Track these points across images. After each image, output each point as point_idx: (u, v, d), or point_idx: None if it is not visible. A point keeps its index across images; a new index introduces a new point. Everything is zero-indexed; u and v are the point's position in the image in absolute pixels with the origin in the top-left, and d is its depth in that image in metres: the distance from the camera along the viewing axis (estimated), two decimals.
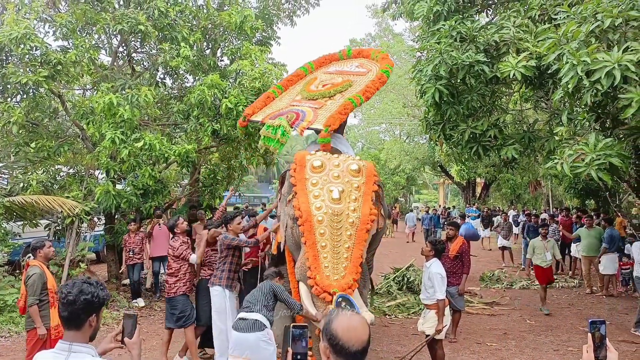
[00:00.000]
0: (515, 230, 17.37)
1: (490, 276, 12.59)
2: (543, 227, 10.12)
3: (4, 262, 8.83)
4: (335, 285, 4.73)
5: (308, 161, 5.41)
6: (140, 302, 9.47)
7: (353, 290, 4.80)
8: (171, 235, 6.69)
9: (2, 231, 8.77)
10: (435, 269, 5.89)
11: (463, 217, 17.88)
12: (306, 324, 1.97)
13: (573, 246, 12.92)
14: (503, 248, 15.47)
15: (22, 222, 9.44)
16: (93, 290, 2.27)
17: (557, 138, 7.01)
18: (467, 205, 27.29)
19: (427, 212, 23.36)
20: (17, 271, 9.04)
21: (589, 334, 1.99)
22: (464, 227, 14.65)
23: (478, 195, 29.48)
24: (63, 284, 2.51)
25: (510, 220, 17.09)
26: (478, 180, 30.16)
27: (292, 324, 2.08)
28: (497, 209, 29.27)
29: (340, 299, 4.58)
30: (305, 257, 4.99)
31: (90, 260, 12.80)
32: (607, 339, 1.99)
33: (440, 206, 32.89)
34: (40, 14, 9.00)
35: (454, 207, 31.61)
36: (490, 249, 18.55)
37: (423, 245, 6.43)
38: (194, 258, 6.38)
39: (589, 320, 2.01)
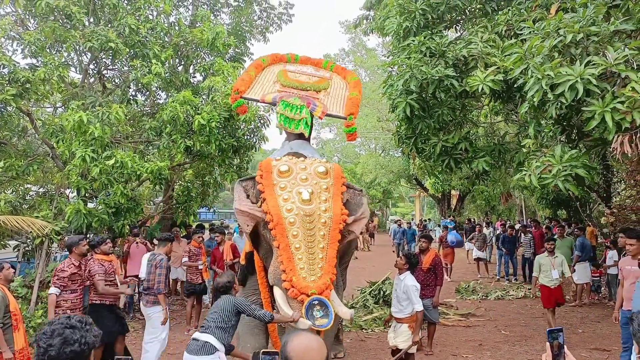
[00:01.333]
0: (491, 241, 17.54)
1: (465, 288, 12.68)
2: (549, 242, 8.86)
3: None
4: (313, 286, 4.65)
5: (274, 167, 5.35)
6: None
7: (330, 291, 4.75)
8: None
9: None
10: (410, 281, 5.90)
11: (446, 227, 18.14)
12: (276, 351, 1.96)
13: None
14: (478, 259, 15.63)
15: None
16: (79, 337, 1.85)
17: (524, 150, 7.15)
18: (442, 218, 27.56)
19: (399, 225, 21.74)
20: None
21: (547, 343, 2.02)
22: (451, 235, 15.02)
23: (453, 207, 29.82)
24: (41, 332, 1.92)
25: (485, 231, 17.25)
26: (453, 192, 30.52)
27: (262, 350, 2.06)
28: (472, 220, 29.61)
29: (315, 302, 4.56)
30: (279, 261, 4.88)
31: None
32: (565, 347, 2.03)
33: (411, 220, 33.08)
34: (8, 32, 8.88)
35: (429, 219, 31.86)
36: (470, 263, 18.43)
37: (397, 259, 6.41)
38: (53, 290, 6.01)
39: (547, 330, 2.05)
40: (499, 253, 14.87)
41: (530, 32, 6.25)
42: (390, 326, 6.23)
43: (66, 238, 6.99)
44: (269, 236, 5.08)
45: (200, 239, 9.56)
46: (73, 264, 6.14)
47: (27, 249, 9.97)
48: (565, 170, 5.60)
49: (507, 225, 16.08)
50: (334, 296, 4.83)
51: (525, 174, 5.92)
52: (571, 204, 17.13)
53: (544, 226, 15.39)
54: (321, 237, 4.89)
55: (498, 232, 17.80)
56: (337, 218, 5.04)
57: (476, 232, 16.42)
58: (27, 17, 9.55)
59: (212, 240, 10.54)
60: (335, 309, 4.72)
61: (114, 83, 11.05)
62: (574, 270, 10.98)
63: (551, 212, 20.14)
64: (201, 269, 9.26)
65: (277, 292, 4.93)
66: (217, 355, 4.63)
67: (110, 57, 10.12)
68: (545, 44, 5.72)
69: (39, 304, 8.35)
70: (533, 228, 14.74)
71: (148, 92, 10.72)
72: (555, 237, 11.65)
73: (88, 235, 8.29)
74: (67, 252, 6.42)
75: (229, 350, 4.87)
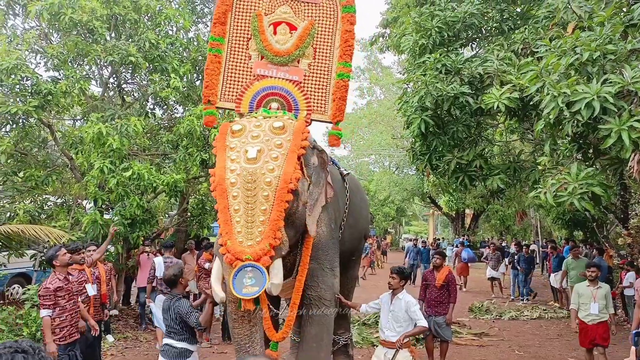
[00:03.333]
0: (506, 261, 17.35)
1: (479, 307, 12.56)
2: (590, 267, 7.13)
3: None
4: (249, 251, 4.13)
5: (230, 128, 4.83)
6: (110, 338, 8.90)
7: (271, 258, 4.21)
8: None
9: None
10: (411, 298, 5.59)
11: (462, 244, 18.14)
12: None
13: (552, 276, 12.96)
14: (492, 279, 15.48)
15: (7, 252, 9.34)
16: None
17: (540, 168, 7.13)
18: (456, 236, 27.37)
19: (414, 244, 20.39)
20: (1, 301, 8.91)
21: (633, 348, 1.99)
22: (465, 252, 15.23)
23: (467, 226, 29.61)
24: None
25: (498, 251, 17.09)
26: (467, 211, 30.35)
27: None
28: (487, 240, 29.36)
29: (248, 268, 4.09)
30: (219, 224, 4.40)
31: None
32: None
33: (421, 238, 32.84)
34: (32, 45, 9.10)
35: (443, 238, 31.63)
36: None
37: (389, 279, 5.81)
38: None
39: (633, 332, 2.01)
40: (513, 273, 14.71)
41: (546, 50, 6.27)
42: (380, 355, 5.64)
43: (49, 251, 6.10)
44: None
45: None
46: (57, 278, 5.54)
47: (43, 258, 10.08)
48: (582, 189, 5.55)
49: (522, 245, 15.94)
50: (277, 266, 4.30)
51: (540, 192, 5.90)
52: (588, 225, 16.91)
53: (549, 246, 15.20)
54: (264, 198, 4.31)
55: (512, 251, 17.62)
56: (287, 177, 4.37)
57: (490, 252, 16.29)
58: (51, 31, 9.77)
59: None
60: (270, 278, 4.17)
61: (133, 96, 11.24)
62: None
63: (567, 233, 19.90)
64: None
65: (216, 264, 4.56)
66: (193, 356, 4.85)
67: (130, 71, 10.31)
68: (562, 61, 5.73)
69: None
70: (549, 248, 14.60)
71: (166, 106, 10.88)
72: (571, 257, 11.53)
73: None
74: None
75: None
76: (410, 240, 24.14)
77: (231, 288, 4.10)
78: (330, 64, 5.43)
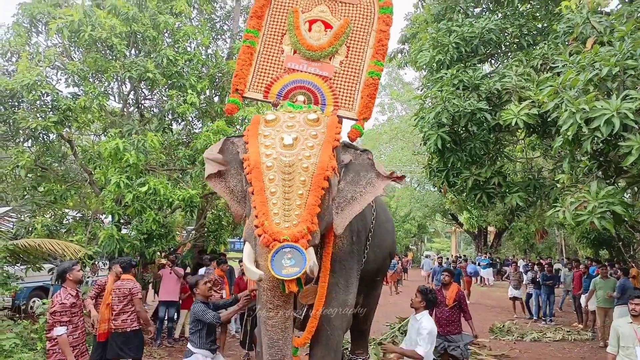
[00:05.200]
0: (525, 279, 16.97)
1: (500, 327, 12.25)
2: (635, 299, 5.44)
3: (4, 306, 8.77)
4: (287, 233, 4.08)
5: (262, 117, 4.87)
6: None
7: (308, 242, 4.13)
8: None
9: (4, 274, 8.74)
10: (427, 323, 5.37)
11: (465, 259, 18.28)
12: None
13: (583, 297, 12.58)
14: (514, 298, 15.12)
15: (25, 266, 9.43)
16: None
17: (559, 186, 6.94)
18: (479, 254, 26.93)
19: (440, 264, 19.97)
20: (17, 315, 8.97)
21: None
22: (470, 267, 15.43)
23: (490, 243, 29.14)
24: None
25: (521, 269, 16.75)
26: (490, 228, 29.88)
27: None
28: (509, 258, 28.82)
29: (287, 249, 4.01)
30: (252, 206, 4.33)
31: None
32: None
33: (448, 255, 32.39)
34: (53, 62, 9.26)
35: (464, 255, 31.09)
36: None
37: (412, 296, 5.73)
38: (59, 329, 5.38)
39: None
40: (535, 292, 14.34)
41: (564, 65, 6.13)
42: None
43: (59, 265, 6.29)
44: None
45: (227, 267, 9.58)
46: (70, 293, 5.44)
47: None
48: (602, 207, 5.37)
49: (545, 263, 15.57)
50: (310, 252, 4.18)
51: (559, 210, 5.72)
52: (614, 244, 16.49)
53: (583, 266, 14.78)
54: (301, 182, 4.30)
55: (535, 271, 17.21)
56: (324, 164, 4.39)
57: (511, 270, 15.95)
58: (72, 48, 9.95)
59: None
60: (309, 259, 4.07)
61: (152, 112, 11.35)
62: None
63: (592, 252, 19.43)
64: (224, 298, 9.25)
65: (246, 249, 4.44)
66: (195, 357, 5.26)
67: (149, 87, 10.41)
68: (580, 77, 5.59)
69: None
70: (574, 267, 14.24)
71: (184, 122, 10.94)
72: (599, 277, 11.21)
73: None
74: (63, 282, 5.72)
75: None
76: (429, 256, 23.82)
77: (270, 270, 4.01)
78: (362, 62, 5.54)
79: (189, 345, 5.38)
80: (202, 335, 5.32)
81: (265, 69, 5.53)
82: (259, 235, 4.12)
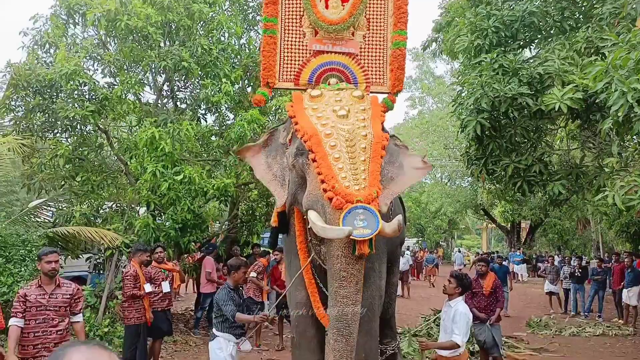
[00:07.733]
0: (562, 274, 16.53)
1: (537, 322, 11.98)
2: None
3: None
4: (358, 194, 4.00)
5: (305, 94, 4.86)
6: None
7: (377, 206, 4.05)
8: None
9: None
10: (463, 308, 5.17)
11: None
12: None
13: (624, 292, 12.19)
14: (550, 293, 14.77)
15: (64, 254, 9.57)
16: None
17: (607, 170, 6.69)
18: (512, 250, 26.43)
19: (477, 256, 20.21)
20: None
21: None
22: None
23: (523, 239, 28.58)
24: None
25: (557, 264, 16.33)
26: (523, 225, 29.31)
27: None
28: (543, 254, 28.24)
29: (360, 210, 3.91)
30: (316, 172, 4.21)
31: None
32: None
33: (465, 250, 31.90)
34: (90, 52, 9.35)
35: (496, 252, 30.52)
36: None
37: (445, 282, 5.56)
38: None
39: None
40: (573, 287, 13.97)
41: (613, 45, 5.90)
42: None
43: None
44: (304, 165, 4.42)
45: (273, 258, 9.58)
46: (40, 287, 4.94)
47: (98, 260, 10.30)
48: None
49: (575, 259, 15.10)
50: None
51: (607, 194, 5.51)
52: None
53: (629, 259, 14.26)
54: (362, 150, 4.26)
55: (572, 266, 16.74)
56: (379, 134, 4.43)
57: (548, 265, 15.59)
58: (108, 39, 10.04)
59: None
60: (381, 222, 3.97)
61: (185, 103, 11.39)
62: None
63: (632, 247, 18.84)
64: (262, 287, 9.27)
65: (313, 214, 4.22)
66: (217, 340, 5.43)
67: (184, 77, 10.44)
68: (631, 56, 5.36)
69: (107, 313, 8.57)
70: (614, 262, 13.82)
71: (217, 112, 10.95)
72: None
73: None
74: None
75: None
76: (460, 250, 23.94)
77: (330, 226, 4.00)
78: (385, 33, 5.40)
79: (213, 329, 5.55)
80: (224, 319, 5.43)
81: (291, 56, 5.37)
82: (330, 199, 4.04)
